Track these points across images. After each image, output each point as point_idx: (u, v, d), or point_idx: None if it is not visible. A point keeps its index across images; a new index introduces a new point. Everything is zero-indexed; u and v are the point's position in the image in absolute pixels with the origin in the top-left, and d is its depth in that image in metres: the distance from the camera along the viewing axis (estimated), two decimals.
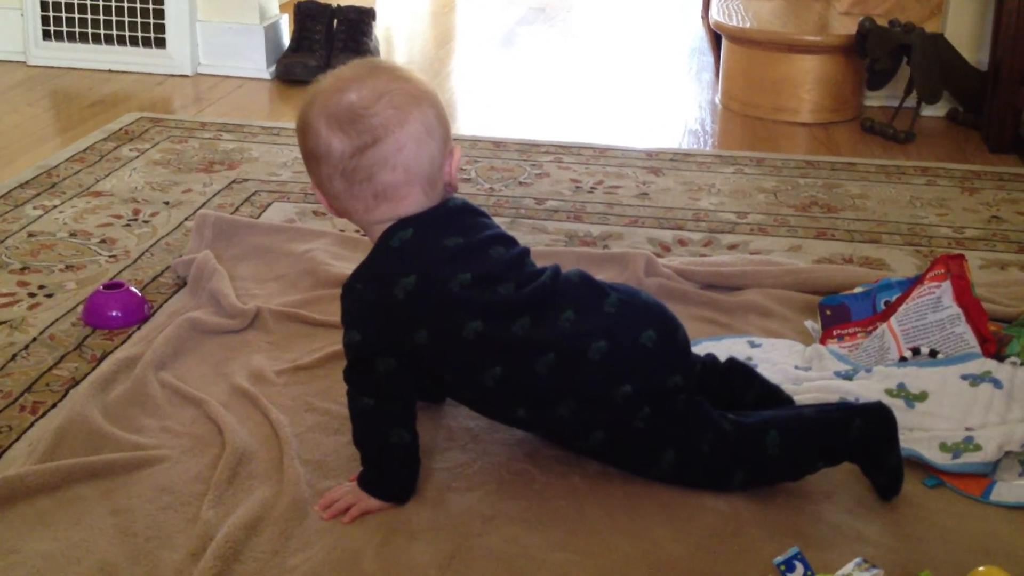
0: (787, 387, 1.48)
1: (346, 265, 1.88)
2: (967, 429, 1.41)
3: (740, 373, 1.43)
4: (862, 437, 1.30)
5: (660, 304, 1.38)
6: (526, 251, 1.37)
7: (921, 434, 1.42)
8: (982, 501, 1.34)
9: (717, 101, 3.16)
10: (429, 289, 1.28)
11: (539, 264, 1.37)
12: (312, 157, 1.32)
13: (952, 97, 2.92)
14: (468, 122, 3.00)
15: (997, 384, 1.47)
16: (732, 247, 2.11)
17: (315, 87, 1.33)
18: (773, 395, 1.42)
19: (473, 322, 1.27)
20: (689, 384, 1.33)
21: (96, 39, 3.27)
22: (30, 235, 2.08)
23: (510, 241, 1.37)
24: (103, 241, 2.07)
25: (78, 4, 3.25)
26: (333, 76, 1.33)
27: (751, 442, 1.31)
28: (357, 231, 2.04)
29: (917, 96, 2.80)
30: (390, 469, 1.32)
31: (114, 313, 1.75)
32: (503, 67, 3.59)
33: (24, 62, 3.30)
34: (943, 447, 1.39)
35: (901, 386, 1.49)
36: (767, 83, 2.98)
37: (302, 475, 1.36)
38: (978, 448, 1.37)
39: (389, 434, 1.31)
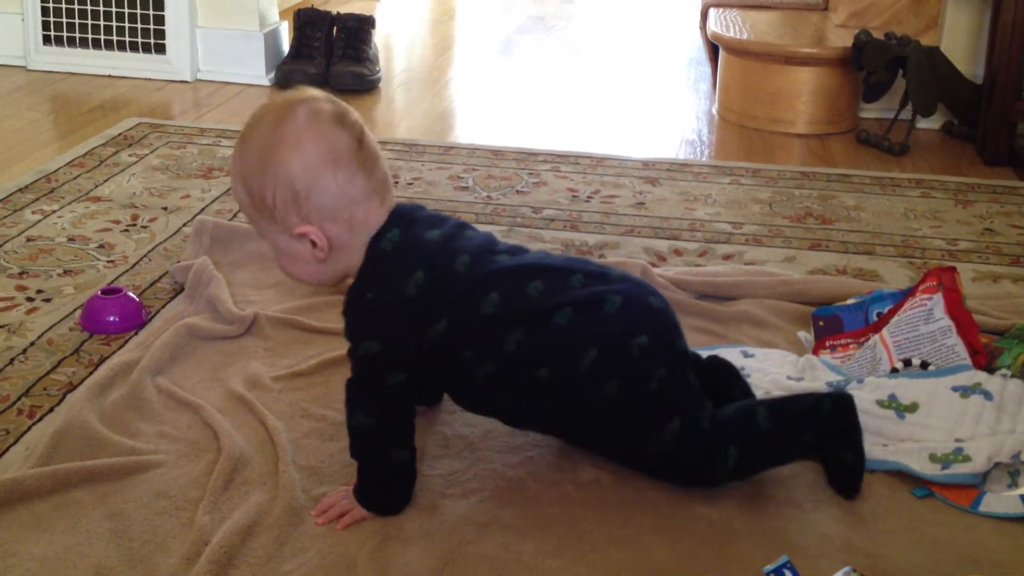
0: (779, 396, 1.49)
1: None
2: (957, 440, 1.42)
3: (724, 370, 1.47)
4: (833, 415, 1.35)
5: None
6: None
7: (911, 445, 1.43)
8: (971, 512, 1.35)
9: (714, 112, 3.18)
10: (439, 279, 1.30)
11: None
12: (319, 169, 1.27)
13: (947, 110, 2.94)
14: (466, 130, 3.01)
15: (987, 396, 1.48)
16: (727, 257, 2.12)
17: (264, 120, 1.29)
18: (749, 396, 1.46)
19: (490, 295, 1.30)
20: (688, 358, 1.37)
21: (96, 44, 3.28)
22: (29, 240, 2.09)
23: (471, 225, 1.40)
24: (101, 246, 2.08)
25: (79, 9, 3.26)
26: (277, 105, 1.31)
27: (743, 419, 1.35)
28: None
29: (912, 109, 2.81)
30: (387, 486, 1.33)
31: (112, 318, 1.76)
32: (501, 76, 3.61)
33: (24, 67, 3.32)
34: (933, 458, 1.40)
35: (892, 397, 1.50)
36: (764, 94, 3.00)
37: (297, 481, 1.37)
38: (968, 459, 1.38)
39: (389, 454, 1.32)
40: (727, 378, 1.45)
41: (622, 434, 1.36)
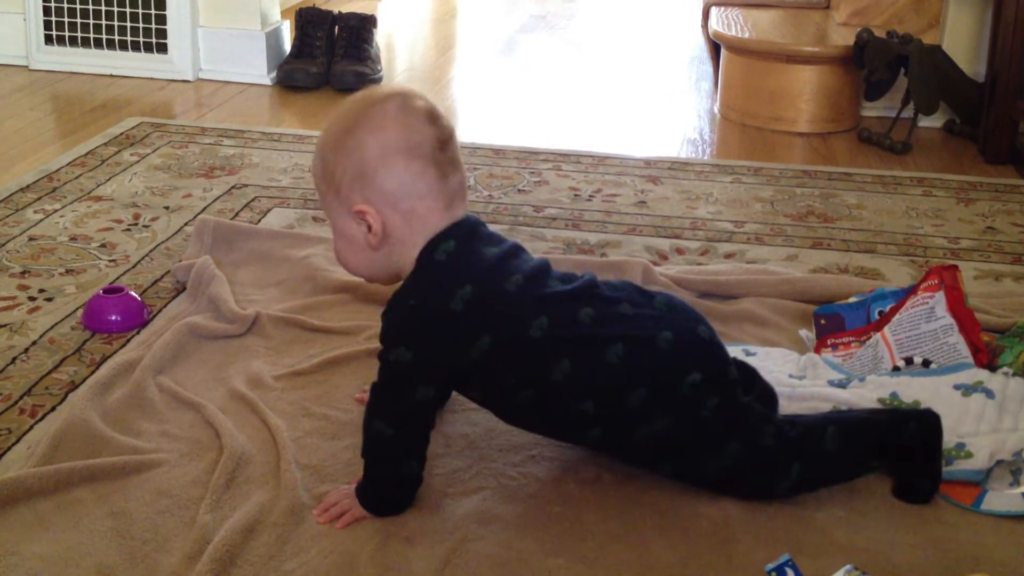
0: (781, 393, 1.49)
1: (346, 271, 1.89)
2: (959, 438, 1.42)
3: (744, 372, 1.44)
4: (916, 438, 1.35)
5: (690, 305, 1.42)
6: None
7: None
8: (973, 510, 1.34)
9: (716, 110, 3.18)
10: (488, 295, 1.28)
11: None
12: (393, 153, 1.28)
13: (949, 108, 2.94)
14: (468, 129, 3.01)
15: (989, 394, 1.48)
16: (729, 256, 2.12)
17: (356, 102, 1.33)
18: (771, 396, 1.45)
19: (539, 319, 1.28)
20: (738, 381, 1.36)
21: (98, 44, 3.28)
22: (31, 239, 2.10)
23: (526, 249, 1.39)
24: (103, 245, 2.08)
25: (80, 9, 3.26)
26: (373, 92, 1.34)
27: (810, 436, 1.34)
28: None
29: (914, 107, 2.81)
30: (390, 492, 1.33)
31: (114, 317, 1.76)
32: (503, 75, 3.61)
33: (26, 66, 3.32)
34: None
35: (894, 395, 1.51)
36: (765, 93, 3.00)
37: (299, 480, 1.37)
38: (970, 455, 1.38)
39: (400, 465, 1.31)
40: (746, 380, 1.43)
41: (675, 457, 1.35)
